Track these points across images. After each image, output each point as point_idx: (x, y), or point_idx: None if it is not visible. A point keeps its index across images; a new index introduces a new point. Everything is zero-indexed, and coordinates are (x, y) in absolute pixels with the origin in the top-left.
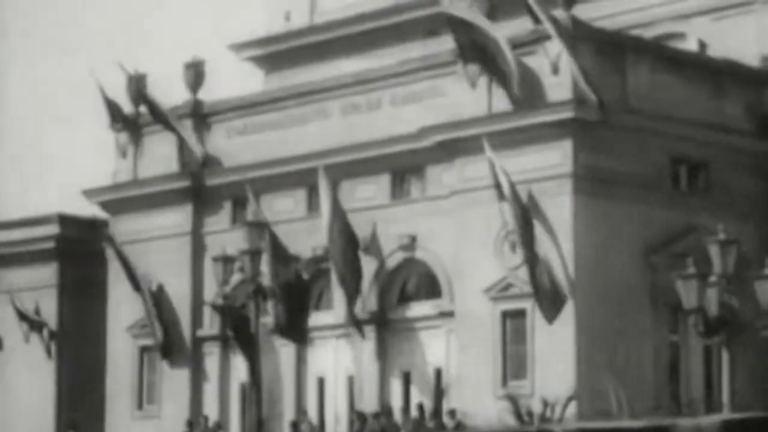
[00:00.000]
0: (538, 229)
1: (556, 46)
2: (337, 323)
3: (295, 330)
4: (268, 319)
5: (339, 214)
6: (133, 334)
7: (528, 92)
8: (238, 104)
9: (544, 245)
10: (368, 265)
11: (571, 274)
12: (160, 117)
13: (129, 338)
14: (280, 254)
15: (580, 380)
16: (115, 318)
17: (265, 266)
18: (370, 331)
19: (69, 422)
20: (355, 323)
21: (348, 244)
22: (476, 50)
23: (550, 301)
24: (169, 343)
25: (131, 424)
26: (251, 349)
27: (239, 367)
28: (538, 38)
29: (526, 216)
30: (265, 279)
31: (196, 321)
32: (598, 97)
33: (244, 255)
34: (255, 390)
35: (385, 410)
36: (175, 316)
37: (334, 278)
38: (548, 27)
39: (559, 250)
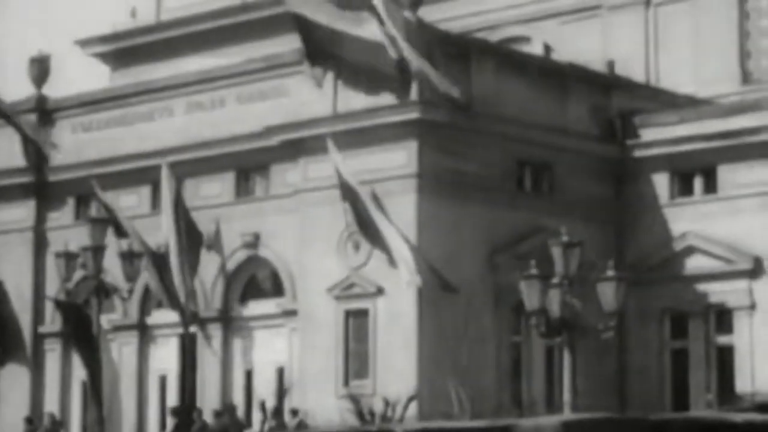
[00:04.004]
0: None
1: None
2: (179, 321)
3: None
4: (111, 316)
5: (182, 211)
6: None
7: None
8: (83, 100)
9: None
10: (212, 263)
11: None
12: (1, 112)
13: None
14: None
15: (422, 380)
16: None
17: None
18: (213, 329)
19: None
20: (196, 322)
21: (190, 241)
22: (323, 49)
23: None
24: (7, 340)
25: None
26: (92, 346)
27: (81, 364)
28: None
29: (363, 217)
30: (108, 276)
31: (38, 317)
32: (449, 94)
33: (87, 251)
34: (95, 388)
35: (229, 408)
36: (15, 312)
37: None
38: (395, 28)
39: None
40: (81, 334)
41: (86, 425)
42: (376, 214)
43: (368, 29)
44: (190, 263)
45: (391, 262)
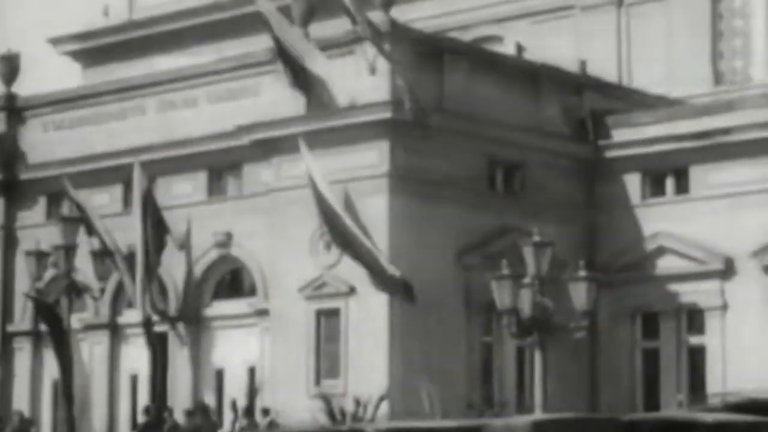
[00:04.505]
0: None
1: (373, 48)
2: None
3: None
4: (82, 316)
5: (152, 211)
6: None
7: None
8: (54, 98)
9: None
10: (183, 262)
11: None
12: None
13: None
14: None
15: (393, 380)
16: None
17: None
18: (184, 328)
19: None
20: (166, 320)
21: (159, 241)
22: (285, 54)
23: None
24: None
25: None
26: (63, 345)
27: (51, 363)
28: (356, 39)
29: (333, 224)
30: (79, 275)
31: (7, 316)
32: (414, 103)
33: (58, 250)
34: (66, 387)
35: (201, 408)
36: None
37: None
38: (363, 29)
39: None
40: (54, 332)
41: (57, 424)
42: (348, 220)
43: (317, 62)
44: (153, 263)
45: (368, 268)
